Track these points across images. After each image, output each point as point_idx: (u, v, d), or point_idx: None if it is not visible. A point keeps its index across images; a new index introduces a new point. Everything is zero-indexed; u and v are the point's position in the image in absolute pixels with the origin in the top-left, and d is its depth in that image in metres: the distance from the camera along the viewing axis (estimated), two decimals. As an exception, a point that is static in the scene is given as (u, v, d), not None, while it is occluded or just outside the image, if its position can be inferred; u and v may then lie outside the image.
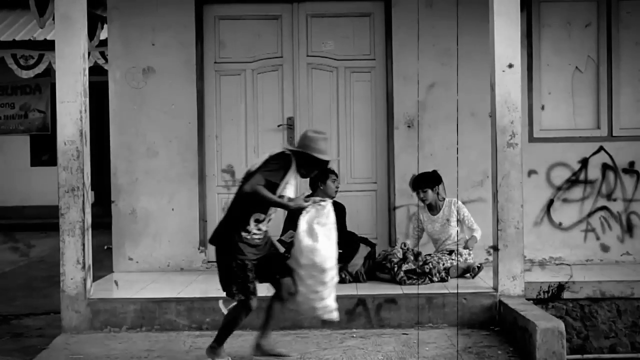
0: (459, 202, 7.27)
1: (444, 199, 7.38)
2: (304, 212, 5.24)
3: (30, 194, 15.47)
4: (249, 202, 5.18)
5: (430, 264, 6.96)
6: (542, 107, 7.92)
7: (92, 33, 9.16)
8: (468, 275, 7.02)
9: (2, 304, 8.33)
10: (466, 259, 7.13)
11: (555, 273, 7.26)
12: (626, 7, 7.95)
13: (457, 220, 7.24)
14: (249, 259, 5.19)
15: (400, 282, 6.81)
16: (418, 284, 6.75)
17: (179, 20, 7.89)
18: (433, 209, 7.39)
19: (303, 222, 5.21)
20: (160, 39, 7.89)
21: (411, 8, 7.85)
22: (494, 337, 5.99)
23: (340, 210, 7.40)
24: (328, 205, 5.32)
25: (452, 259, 7.05)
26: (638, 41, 7.97)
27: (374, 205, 8.07)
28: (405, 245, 7.18)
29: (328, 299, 5.27)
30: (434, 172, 7.35)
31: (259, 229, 5.26)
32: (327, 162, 5.41)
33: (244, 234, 5.19)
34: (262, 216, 5.24)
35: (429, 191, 7.29)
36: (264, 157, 5.32)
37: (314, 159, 5.28)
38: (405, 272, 6.86)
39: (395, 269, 6.87)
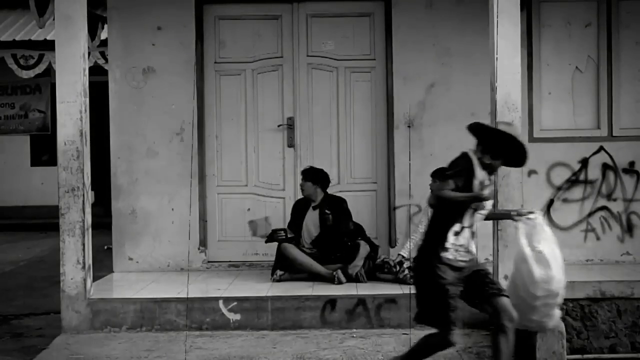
0: None
1: None
2: (518, 231, 4.76)
3: (30, 194, 15.48)
4: (441, 215, 4.72)
5: None
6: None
7: (93, 33, 9.17)
8: None
9: (2, 304, 8.33)
10: None
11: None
12: (626, 7, 7.94)
13: None
14: (450, 283, 4.63)
15: (405, 281, 6.76)
16: None
17: (179, 20, 7.88)
18: None
19: (526, 248, 4.76)
20: (160, 39, 7.88)
21: (411, 8, 7.84)
22: (494, 337, 5.98)
23: (338, 204, 7.45)
24: (538, 216, 4.84)
25: None
26: (638, 41, 7.96)
27: (374, 205, 8.06)
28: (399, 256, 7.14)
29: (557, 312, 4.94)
30: None
31: (461, 246, 4.69)
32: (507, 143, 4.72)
33: (443, 254, 4.65)
34: (458, 226, 4.68)
35: (438, 182, 7.22)
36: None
37: (499, 138, 4.70)
38: (408, 268, 6.84)
39: (398, 268, 6.86)
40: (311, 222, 7.41)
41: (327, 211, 7.32)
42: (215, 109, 8.10)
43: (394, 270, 6.92)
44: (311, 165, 7.60)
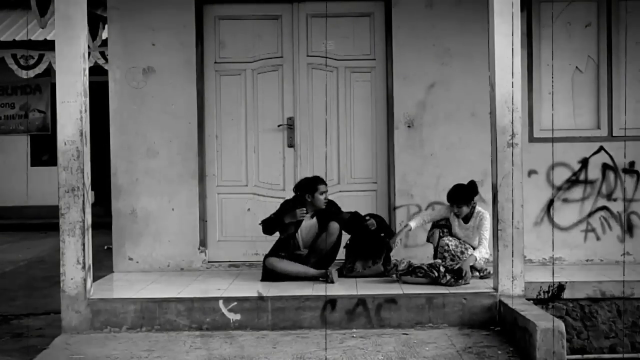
0: (486, 215, 7.07)
1: (475, 206, 7.26)
2: None
3: (30, 194, 15.49)
4: None
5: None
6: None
7: (94, 33, 9.19)
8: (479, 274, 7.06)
9: (2, 304, 8.34)
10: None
11: (555, 273, 7.26)
12: (626, 7, 7.95)
13: (476, 228, 7.16)
14: None
15: (449, 284, 6.63)
16: (461, 284, 6.67)
17: (179, 20, 7.89)
18: (465, 218, 7.26)
19: None
20: (161, 39, 7.89)
21: (411, 8, 7.85)
22: (494, 337, 5.99)
23: (334, 207, 7.39)
24: None
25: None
26: (638, 41, 7.98)
27: (374, 205, 8.06)
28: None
29: None
30: (471, 183, 7.18)
31: None
32: None
33: None
34: None
35: (464, 207, 7.15)
36: None
37: None
38: (447, 272, 6.73)
39: (436, 273, 6.67)
40: (306, 230, 7.34)
41: (367, 217, 7.32)
42: (215, 109, 8.10)
43: (433, 275, 6.71)
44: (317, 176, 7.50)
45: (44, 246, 12.28)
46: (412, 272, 6.84)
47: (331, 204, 7.40)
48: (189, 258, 7.90)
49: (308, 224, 7.34)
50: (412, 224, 7.32)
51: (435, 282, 6.68)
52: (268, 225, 7.25)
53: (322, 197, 7.24)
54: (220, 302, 6.32)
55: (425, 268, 6.79)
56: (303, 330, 6.22)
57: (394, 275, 6.94)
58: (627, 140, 7.91)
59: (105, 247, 9.68)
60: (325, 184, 7.33)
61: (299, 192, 7.32)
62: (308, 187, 7.29)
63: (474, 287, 6.60)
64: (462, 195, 7.15)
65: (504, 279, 6.30)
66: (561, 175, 7.93)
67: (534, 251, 7.81)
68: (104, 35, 9.28)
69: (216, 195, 8.11)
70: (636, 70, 7.96)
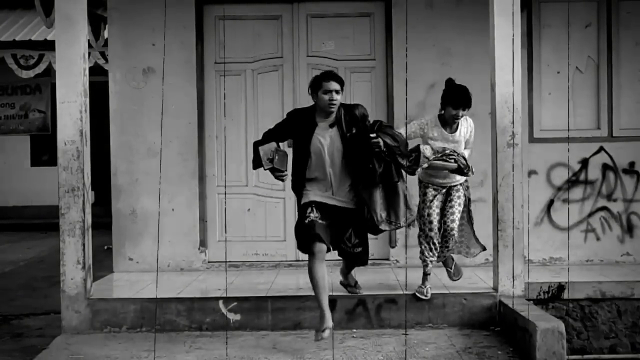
0: (472, 123, 6.49)
1: None
2: None
3: (30, 194, 15.51)
4: None
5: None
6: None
7: (96, 33, 9.19)
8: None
9: (2, 304, 8.35)
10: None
11: (555, 273, 7.27)
12: (626, 7, 7.95)
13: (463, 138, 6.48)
14: None
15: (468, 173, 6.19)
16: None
17: (179, 20, 7.89)
18: (450, 126, 6.38)
19: None
20: (161, 39, 7.87)
21: (411, 8, 7.84)
22: (494, 338, 5.99)
23: (361, 110, 5.87)
24: None
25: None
26: (638, 41, 7.97)
27: (374, 206, 8.04)
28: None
29: None
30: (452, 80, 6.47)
31: None
32: None
33: None
34: None
35: (467, 110, 6.25)
36: None
37: None
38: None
39: (464, 161, 6.24)
40: (328, 145, 5.77)
41: (373, 135, 5.69)
42: (215, 109, 8.10)
43: (462, 164, 6.19)
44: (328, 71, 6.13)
45: (44, 246, 12.29)
46: (440, 159, 6.18)
47: (353, 108, 5.90)
48: (189, 258, 7.90)
49: (327, 136, 5.78)
50: (424, 148, 6.24)
51: (461, 172, 6.18)
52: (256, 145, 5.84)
53: (325, 97, 5.67)
54: (220, 302, 6.33)
55: (454, 155, 6.21)
56: (303, 331, 6.22)
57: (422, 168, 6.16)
58: (627, 140, 7.91)
59: (105, 247, 9.69)
60: (337, 81, 5.72)
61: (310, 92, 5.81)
62: (313, 83, 5.77)
63: (474, 287, 6.60)
64: (469, 96, 6.25)
65: (504, 279, 6.31)
66: (561, 176, 7.93)
67: (534, 251, 7.81)
68: (106, 35, 9.29)
69: (216, 195, 8.11)
70: (636, 70, 7.97)
